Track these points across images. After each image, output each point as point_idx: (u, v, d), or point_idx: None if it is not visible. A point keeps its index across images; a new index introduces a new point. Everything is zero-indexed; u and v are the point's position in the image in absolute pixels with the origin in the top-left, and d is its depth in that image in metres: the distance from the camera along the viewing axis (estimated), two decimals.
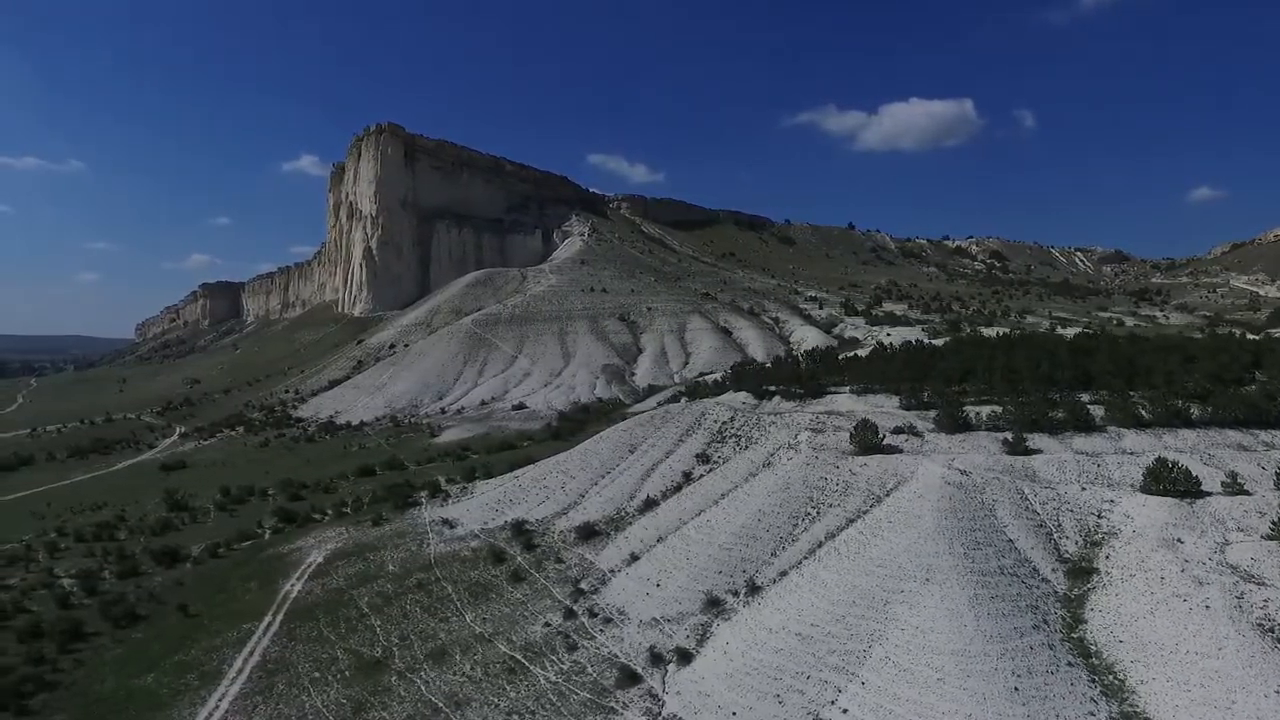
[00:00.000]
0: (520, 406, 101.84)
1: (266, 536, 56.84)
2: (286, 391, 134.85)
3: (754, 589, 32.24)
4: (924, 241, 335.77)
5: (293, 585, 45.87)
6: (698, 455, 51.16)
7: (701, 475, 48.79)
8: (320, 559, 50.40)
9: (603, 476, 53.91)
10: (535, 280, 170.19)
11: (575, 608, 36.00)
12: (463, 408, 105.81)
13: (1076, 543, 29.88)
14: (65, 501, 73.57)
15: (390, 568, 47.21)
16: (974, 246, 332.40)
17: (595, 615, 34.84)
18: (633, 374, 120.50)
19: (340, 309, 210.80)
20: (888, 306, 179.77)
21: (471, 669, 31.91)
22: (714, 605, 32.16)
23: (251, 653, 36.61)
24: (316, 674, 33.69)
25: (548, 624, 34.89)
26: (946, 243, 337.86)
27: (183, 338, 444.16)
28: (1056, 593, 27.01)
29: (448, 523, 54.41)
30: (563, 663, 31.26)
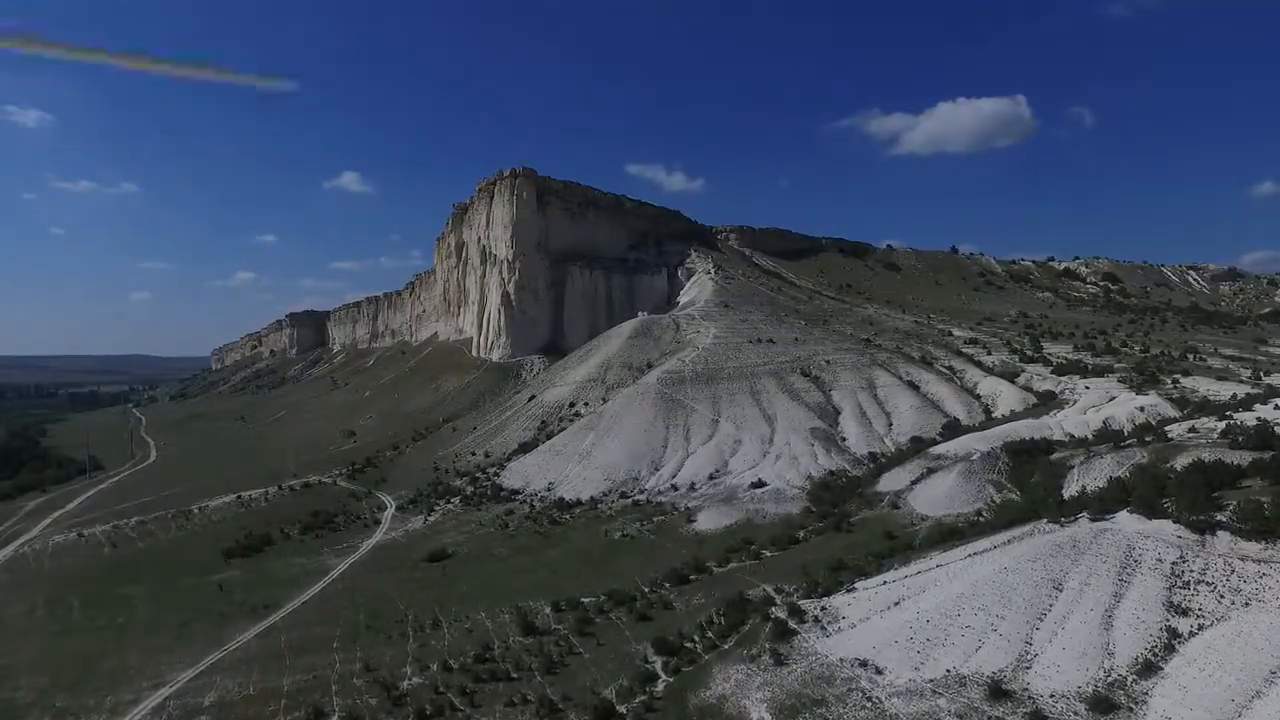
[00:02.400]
0: (760, 484, 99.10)
1: (662, 677, 54.58)
2: (473, 453, 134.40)
3: None
4: (1030, 264, 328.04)
5: None
6: (1166, 604, 47.67)
7: (1191, 632, 45.34)
8: (767, 717, 47.96)
9: (1040, 619, 50.60)
10: (691, 328, 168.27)
11: None
12: (693, 484, 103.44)
13: None
14: (378, 605, 72.51)
15: None
16: (1083, 268, 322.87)
17: None
18: (843, 438, 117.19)
19: (475, 353, 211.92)
20: (1049, 348, 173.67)
21: None
22: None
23: None
24: None
25: None
26: (1053, 264, 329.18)
27: (272, 367, 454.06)
28: None
29: (863, 664, 51.63)
30: None
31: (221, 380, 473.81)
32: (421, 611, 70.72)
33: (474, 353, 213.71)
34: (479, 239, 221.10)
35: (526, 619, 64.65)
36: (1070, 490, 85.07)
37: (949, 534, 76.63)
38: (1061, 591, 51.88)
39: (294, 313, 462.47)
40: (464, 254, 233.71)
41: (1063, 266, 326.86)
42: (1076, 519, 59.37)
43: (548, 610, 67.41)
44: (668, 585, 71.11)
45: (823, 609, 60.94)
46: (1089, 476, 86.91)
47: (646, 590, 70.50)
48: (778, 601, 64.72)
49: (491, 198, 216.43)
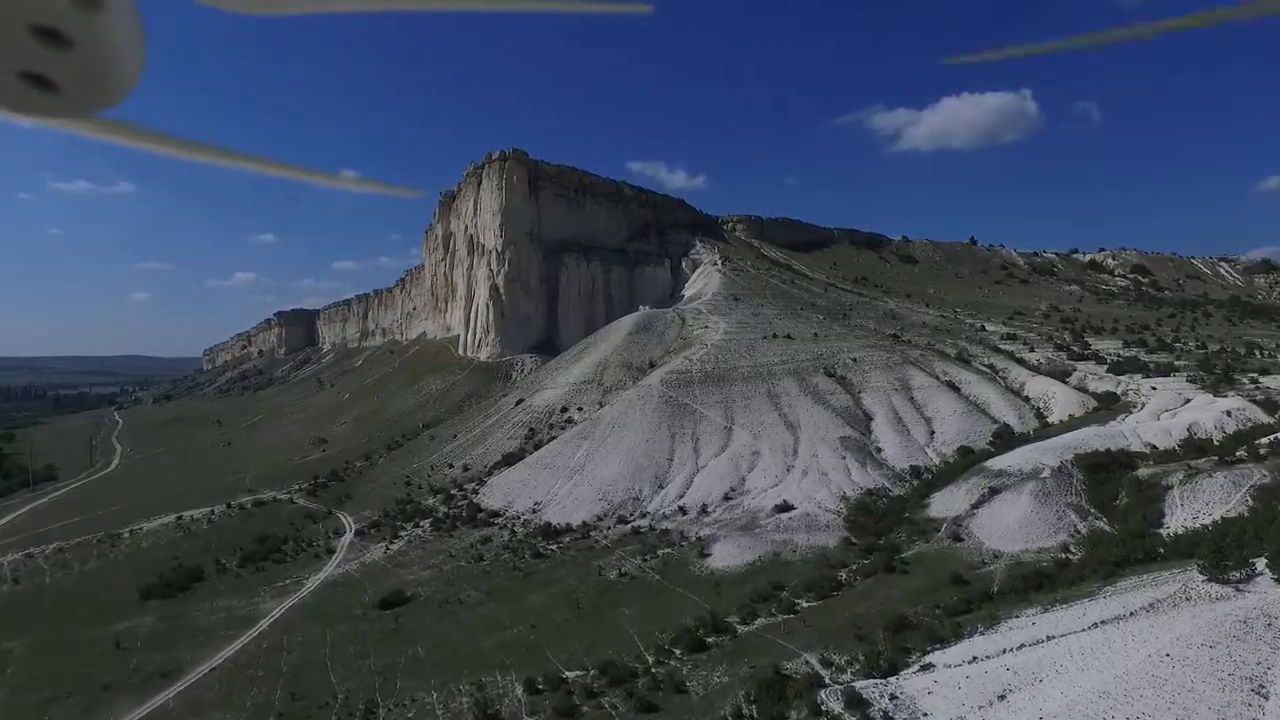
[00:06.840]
0: (786, 507, 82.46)
1: None
2: (451, 466, 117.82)
3: None
4: (1053, 256, 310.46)
5: None
6: None
7: None
8: None
9: None
10: (697, 323, 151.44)
11: None
12: (705, 505, 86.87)
13: None
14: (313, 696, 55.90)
15: None
16: (1110, 260, 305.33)
17: None
18: (879, 449, 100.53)
19: (462, 351, 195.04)
20: (1095, 344, 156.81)
21: None
22: None
23: None
24: None
25: None
26: (1077, 256, 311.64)
27: (259, 368, 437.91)
28: None
29: None
30: None
31: (207, 381, 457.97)
32: (356, 687, 54.29)
33: (460, 351, 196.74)
34: (466, 229, 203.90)
35: (489, 708, 48.00)
36: (1176, 519, 68.83)
37: (1035, 579, 60.29)
38: (1267, 700, 35.40)
39: (282, 311, 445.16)
40: (451, 245, 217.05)
41: (1088, 259, 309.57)
42: (1254, 579, 42.90)
43: (519, 691, 50.84)
44: (678, 652, 54.52)
45: (893, 698, 44.08)
46: (1198, 501, 70.51)
47: (650, 661, 53.95)
48: (827, 681, 48.26)
49: (480, 184, 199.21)
